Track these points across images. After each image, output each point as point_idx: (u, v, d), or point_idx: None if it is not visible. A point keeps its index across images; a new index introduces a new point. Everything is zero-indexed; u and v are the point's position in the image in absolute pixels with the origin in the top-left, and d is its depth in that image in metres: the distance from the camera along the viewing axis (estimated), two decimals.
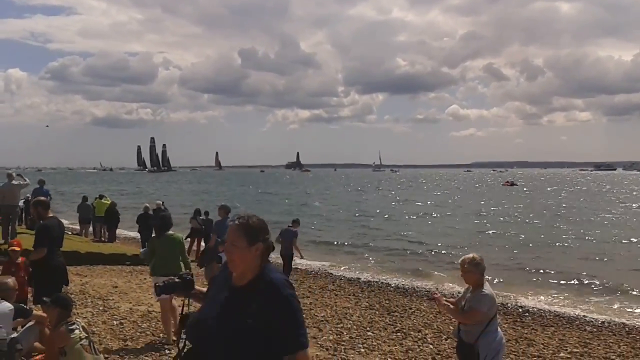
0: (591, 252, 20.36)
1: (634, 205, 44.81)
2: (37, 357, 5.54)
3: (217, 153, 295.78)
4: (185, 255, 7.63)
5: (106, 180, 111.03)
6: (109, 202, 19.78)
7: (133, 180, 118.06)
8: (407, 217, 35.33)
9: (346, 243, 22.41)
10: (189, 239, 17.27)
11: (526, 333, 9.23)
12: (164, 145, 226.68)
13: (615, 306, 12.28)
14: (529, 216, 35.21)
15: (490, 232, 26.80)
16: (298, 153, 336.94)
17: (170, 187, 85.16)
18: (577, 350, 8.25)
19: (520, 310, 11.42)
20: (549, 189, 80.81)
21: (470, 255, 4.75)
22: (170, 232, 7.55)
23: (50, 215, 7.00)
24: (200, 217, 16.96)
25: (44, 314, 6.10)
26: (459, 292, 5.12)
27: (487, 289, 4.69)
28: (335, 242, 22.64)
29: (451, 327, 5.02)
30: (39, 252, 6.55)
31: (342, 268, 16.53)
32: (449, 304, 4.87)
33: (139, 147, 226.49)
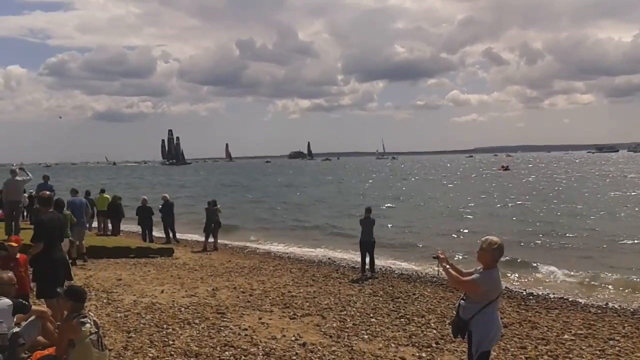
0: (593, 234, 20.33)
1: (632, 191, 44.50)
2: (44, 352, 5.54)
3: (227, 145, 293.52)
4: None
5: (141, 175, 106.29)
6: (109, 197, 19.92)
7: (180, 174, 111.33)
8: (410, 203, 35.33)
9: (349, 231, 22.28)
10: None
11: (530, 316, 9.22)
12: (177, 138, 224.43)
13: (620, 287, 12.24)
14: (524, 200, 35.18)
15: (493, 215, 26.84)
16: (309, 143, 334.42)
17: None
18: (582, 332, 8.24)
19: (524, 293, 11.42)
20: (550, 172, 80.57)
21: (495, 238, 4.75)
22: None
23: (50, 210, 7.00)
24: (214, 207, 17.49)
25: (45, 309, 6.12)
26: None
27: (495, 272, 4.72)
28: (341, 231, 22.64)
29: (455, 312, 5.02)
30: (35, 246, 6.55)
31: (346, 256, 16.56)
32: (450, 267, 4.89)
33: (163, 141, 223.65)
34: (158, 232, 19.00)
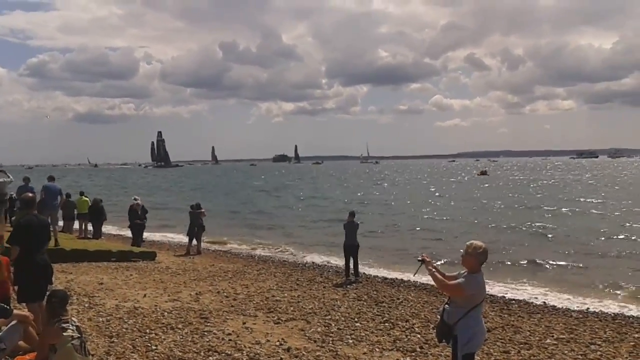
0: (571, 240, 20.56)
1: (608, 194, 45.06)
2: (25, 357, 5.45)
3: (213, 147, 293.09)
4: None
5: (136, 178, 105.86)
6: (89, 200, 19.64)
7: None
8: (388, 209, 35.45)
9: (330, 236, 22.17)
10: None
11: (513, 320, 9.29)
12: (163, 140, 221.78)
13: (601, 292, 12.40)
14: (499, 205, 35.52)
15: (474, 221, 27.04)
16: (296, 146, 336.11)
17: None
18: (564, 336, 8.32)
19: (506, 298, 11.51)
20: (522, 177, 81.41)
21: (479, 243, 4.77)
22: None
23: (32, 212, 6.89)
24: (198, 210, 17.49)
25: (27, 313, 6.02)
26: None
27: (480, 277, 4.74)
28: (321, 236, 22.64)
29: (439, 317, 5.04)
30: (12, 250, 6.44)
31: (331, 260, 16.55)
32: (435, 270, 4.90)
33: (152, 143, 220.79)
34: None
